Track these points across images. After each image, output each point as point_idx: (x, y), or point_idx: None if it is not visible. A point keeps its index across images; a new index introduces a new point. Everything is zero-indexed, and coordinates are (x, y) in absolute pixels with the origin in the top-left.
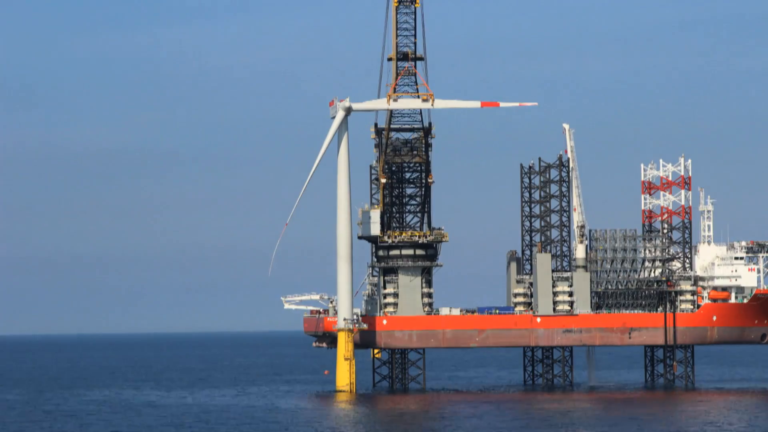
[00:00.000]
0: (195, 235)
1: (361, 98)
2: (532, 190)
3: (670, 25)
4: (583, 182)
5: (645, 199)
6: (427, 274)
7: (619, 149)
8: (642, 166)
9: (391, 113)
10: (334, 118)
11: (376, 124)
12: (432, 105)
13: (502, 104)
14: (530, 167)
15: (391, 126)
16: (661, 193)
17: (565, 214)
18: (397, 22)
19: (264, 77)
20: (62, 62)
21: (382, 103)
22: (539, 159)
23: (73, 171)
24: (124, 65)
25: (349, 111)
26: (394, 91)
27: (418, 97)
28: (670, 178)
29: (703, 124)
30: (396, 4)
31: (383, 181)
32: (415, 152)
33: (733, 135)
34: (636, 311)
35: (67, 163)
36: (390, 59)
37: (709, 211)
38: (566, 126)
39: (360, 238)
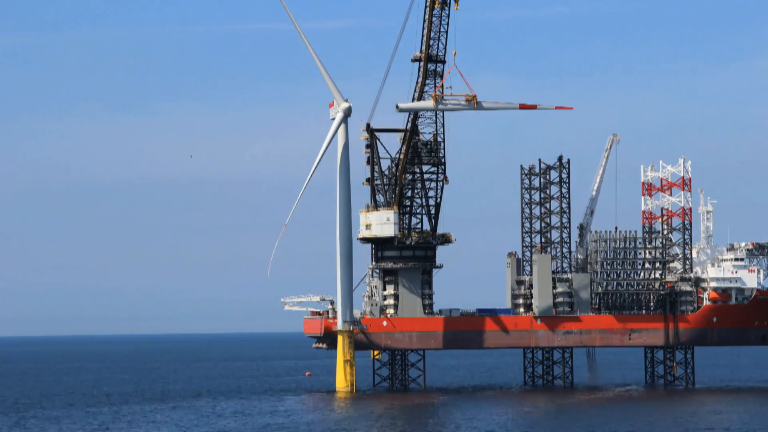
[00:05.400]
0: (196, 234)
1: (359, 99)
2: (532, 192)
3: (670, 24)
4: (583, 183)
5: (645, 200)
6: (427, 276)
7: (619, 150)
8: (642, 167)
9: (416, 115)
10: (333, 119)
11: (368, 125)
12: (475, 107)
13: (539, 107)
14: (530, 169)
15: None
16: (661, 194)
17: (565, 216)
18: (431, 23)
19: (265, 77)
20: None
21: (428, 104)
22: (539, 160)
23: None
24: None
25: (348, 112)
26: (422, 93)
27: (462, 99)
28: (669, 180)
29: (702, 125)
30: (437, 5)
31: (404, 181)
32: (433, 154)
33: (733, 136)
34: (636, 313)
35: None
36: (415, 60)
37: (708, 213)
38: (617, 135)
39: (361, 240)
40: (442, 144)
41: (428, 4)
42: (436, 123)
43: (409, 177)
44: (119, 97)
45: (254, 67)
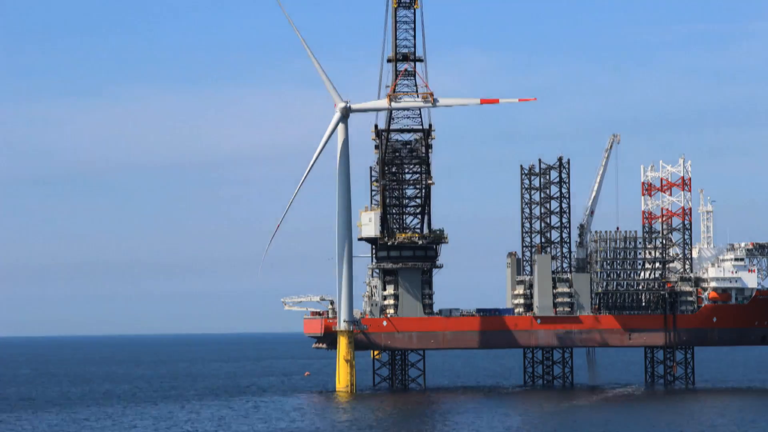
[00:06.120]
0: (196, 236)
1: (360, 99)
2: (532, 192)
3: (669, 26)
4: (583, 183)
5: (645, 200)
6: (427, 276)
7: (619, 150)
8: (642, 167)
9: (391, 115)
10: (332, 119)
11: (376, 126)
12: (432, 104)
13: (501, 101)
14: (530, 168)
15: (391, 127)
16: (661, 194)
17: (565, 216)
18: (396, 23)
19: (264, 77)
20: None
21: (382, 104)
22: (539, 160)
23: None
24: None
25: (347, 112)
26: (394, 92)
27: (418, 97)
28: (669, 180)
29: (702, 125)
30: (395, 5)
31: (383, 182)
32: (414, 153)
33: (733, 136)
34: (636, 313)
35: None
36: (389, 60)
37: (708, 212)
38: (617, 135)
39: (360, 239)
40: (424, 143)
41: (389, 5)
42: (422, 122)
43: (393, 177)
44: (73, 79)
45: (239, 44)
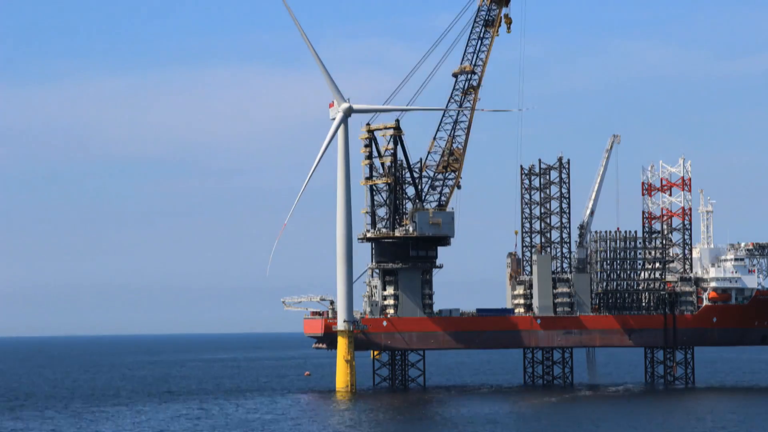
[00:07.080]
0: (197, 236)
1: (360, 100)
2: (532, 192)
3: (670, 26)
4: (584, 183)
5: (645, 200)
6: (427, 276)
7: (619, 151)
8: (642, 167)
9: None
10: (334, 119)
11: (368, 124)
12: (434, 109)
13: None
14: (530, 169)
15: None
16: (661, 194)
17: (565, 216)
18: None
19: (265, 77)
20: None
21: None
22: (539, 161)
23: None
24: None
25: (349, 112)
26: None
27: None
28: (669, 180)
29: (702, 125)
30: (488, 28)
31: (388, 181)
32: (452, 158)
33: (733, 136)
34: (636, 313)
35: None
36: (455, 75)
37: (708, 213)
38: (618, 136)
39: (360, 239)
40: (463, 150)
41: (476, 23)
42: (467, 131)
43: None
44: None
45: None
